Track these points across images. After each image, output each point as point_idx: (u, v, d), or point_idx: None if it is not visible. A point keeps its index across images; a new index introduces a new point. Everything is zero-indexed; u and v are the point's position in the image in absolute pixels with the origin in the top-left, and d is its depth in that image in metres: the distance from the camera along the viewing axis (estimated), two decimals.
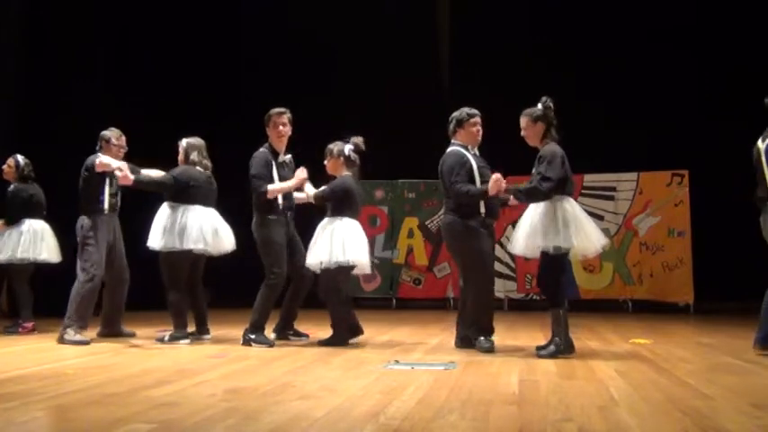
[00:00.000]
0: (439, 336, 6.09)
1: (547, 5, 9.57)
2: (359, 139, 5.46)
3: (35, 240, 6.37)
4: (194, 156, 5.75)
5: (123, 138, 5.98)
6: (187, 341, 5.55)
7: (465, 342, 5.06)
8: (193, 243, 5.52)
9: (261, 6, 10.10)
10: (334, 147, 5.43)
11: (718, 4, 9.02)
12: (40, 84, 8.17)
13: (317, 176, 5.60)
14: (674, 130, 9.06)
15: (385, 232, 9.85)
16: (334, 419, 2.85)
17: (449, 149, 5.08)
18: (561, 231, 4.55)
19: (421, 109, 9.35)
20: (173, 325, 5.61)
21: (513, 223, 8.39)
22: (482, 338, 4.89)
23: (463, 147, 5.04)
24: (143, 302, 5.68)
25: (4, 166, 6.55)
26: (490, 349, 4.84)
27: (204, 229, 5.59)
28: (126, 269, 5.97)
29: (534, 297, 9.35)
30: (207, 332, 5.85)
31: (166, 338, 5.54)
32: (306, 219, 5.79)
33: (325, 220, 5.36)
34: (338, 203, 5.34)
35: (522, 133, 4.83)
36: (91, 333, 5.80)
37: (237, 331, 5.85)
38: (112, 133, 5.94)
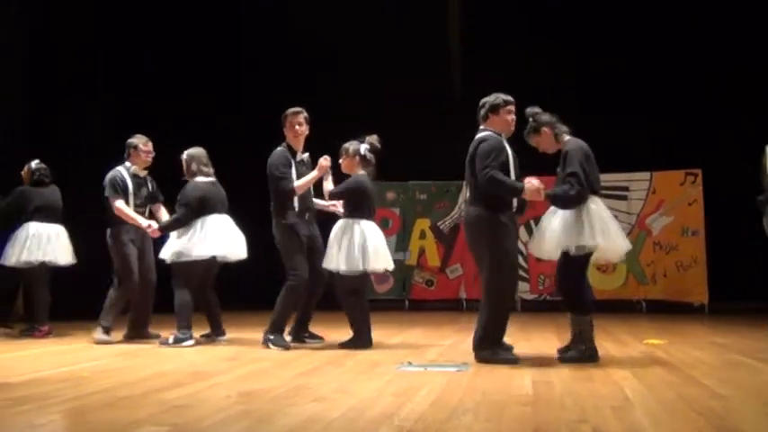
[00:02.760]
0: (452, 337, 6.08)
1: (557, 4, 9.54)
2: (374, 138, 5.44)
3: (41, 243, 6.41)
4: (194, 166, 5.80)
5: (150, 143, 6.03)
6: (191, 342, 5.57)
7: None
8: (207, 251, 5.58)
9: (265, 7, 10.11)
10: (350, 146, 5.42)
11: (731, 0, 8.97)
12: (47, 85, 8.20)
13: (333, 176, 5.57)
14: (688, 128, 8.99)
15: (397, 234, 9.84)
16: (347, 421, 2.86)
17: (482, 134, 4.60)
18: (586, 230, 4.36)
19: (431, 110, 9.34)
20: (177, 326, 5.62)
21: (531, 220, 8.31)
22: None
23: (496, 134, 4.60)
24: (170, 305, 5.75)
25: (23, 172, 6.62)
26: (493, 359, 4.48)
27: (218, 237, 5.64)
28: (153, 274, 6.02)
29: (548, 298, 9.32)
30: (222, 333, 5.88)
31: (171, 341, 5.57)
32: (322, 222, 5.80)
33: (343, 222, 5.32)
34: (354, 203, 5.32)
35: (540, 149, 4.73)
36: (117, 335, 5.87)
37: (253, 334, 5.88)
38: (139, 140, 5.99)
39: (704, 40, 9.09)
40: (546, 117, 4.69)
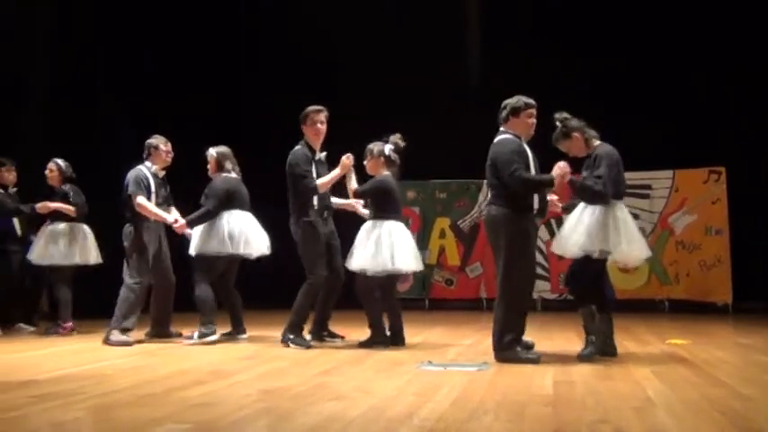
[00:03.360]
0: (472, 337, 6.07)
1: (578, 1, 9.46)
2: (397, 137, 5.43)
3: (72, 243, 6.51)
4: (228, 164, 5.89)
5: (169, 144, 6.09)
6: (215, 336, 5.62)
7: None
8: (231, 247, 5.63)
9: (280, 6, 10.15)
10: (374, 147, 5.42)
11: None
12: (70, 86, 8.29)
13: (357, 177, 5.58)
14: (711, 126, 8.88)
15: (416, 233, 9.81)
16: (368, 420, 2.86)
17: (501, 137, 4.64)
18: (611, 236, 4.46)
19: (451, 109, 9.31)
20: (200, 321, 5.66)
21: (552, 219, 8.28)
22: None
23: (516, 137, 4.63)
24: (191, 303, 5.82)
25: (46, 171, 6.69)
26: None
27: (242, 233, 5.70)
28: (171, 273, 6.06)
29: (568, 297, 9.25)
30: (243, 332, 5.92)
31: (196, 337, 5.61)
32: (344, 221, 5.81)
33: (370, 222, 5.32)
34: (380, 204, 5.31)
35: (571, 154, 4.75)
36: (139, 334, 5.91)
37: (273, 332, 5.91)
38: (159, 140, 6.04)
39: (727, 36, 8.97)
40: (575, 122, 4.73)
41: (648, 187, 9.26)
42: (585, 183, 4.56)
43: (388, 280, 5.36)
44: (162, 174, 6.07)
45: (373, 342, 5.26)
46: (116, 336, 5.60)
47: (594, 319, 4.60)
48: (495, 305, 4.62)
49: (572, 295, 4.80)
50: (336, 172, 5.40)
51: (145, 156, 6.03)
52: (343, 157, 5.39)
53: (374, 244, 5.19)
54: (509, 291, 4.52)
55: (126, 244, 5.84)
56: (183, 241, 5.96)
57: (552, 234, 8.49)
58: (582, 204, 4.65)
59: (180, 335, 5.93)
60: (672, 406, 3.13)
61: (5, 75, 7.60)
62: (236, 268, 5.98)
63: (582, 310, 4.64)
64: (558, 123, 4.75)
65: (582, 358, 4.52)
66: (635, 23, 9.19)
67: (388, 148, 5.38)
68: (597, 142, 4.71)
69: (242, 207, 5.82)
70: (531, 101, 4.67)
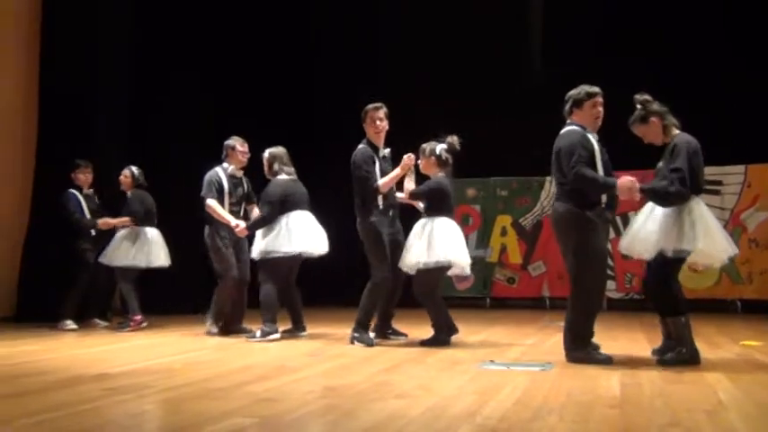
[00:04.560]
0: (535, 336, 5.99)
1: None
2: (454, 139, 5.41)
3: (137, 247, 6.77)
4: (276, 166, 5.98)
5: (246, 144, 6.25)
6: (277, 336, 5.73)
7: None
8: (294, 247, 5.73)
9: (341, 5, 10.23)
10: (427, 146, 5.42)
11: None
12: (148, 89, 8.54)
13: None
14: None
15: (477, 231, 9.77)
16: (430, 418, 2.87)
17: (565, 129, 4.47)
18: (686, 232, 4.12)
19: (513, 105, 9.20)
20: (262, 319, 5.78)
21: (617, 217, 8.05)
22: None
23: (581, 128, 4.43)
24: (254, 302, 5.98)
25: (121, 177, 6.98)
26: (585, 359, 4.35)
27: (303, 233, 5.79)
28: (248, 271, 6.22)
29: (635, 297, 9.03)
30: (303, 329, 6.01)
31: (258, 335, 5.72)
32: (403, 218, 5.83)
33: (423, 220, 5.35)
34: (434, 204, 5.34)
35: (646, 140, 4.48)
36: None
37: (333, 329, 5.98)
38: (236, 141, 6.21)
39: None
40: (656, 106, 4.41)
41: (719, 183, 8.95)
42: (657, 187, 4.25)
43: (441, 277, 5.37)
44: (239, 174, 6.22)
45: (435, 341, 5.27)
46: (209, 327, 6.07)
47: (688, 329, 4.26)
48: (568, 305, 4.44)
49: (653, 304, 4.46)
50: (397, 172, 5.41)
51: (223, 156, 6.20)
52: (405, 157, 5.39)
53: (426, 238, 5.22)
54: (579, 291, 4.35)
55: (208, 243, 6.08)
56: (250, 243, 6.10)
57: (617, 232, 8.30)
58: None
59: (252, 331, 6.08)
60: (745, 410, 3.02)
61: (85, 78, 7.88)
62: (297, 267, 6.07)
63: (669, 319, 4.31)
64: (637, 105, 4.45)
65: (663, 363, 4.26)
66: (704, 10, 8.88)
67: (440, 148, 5.37)
68: (677, 131, 4.38)
69: (299, 207, 5.89)
70: (595, 89, 4.47)
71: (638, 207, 4.87)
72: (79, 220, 6.94)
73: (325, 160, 7.70)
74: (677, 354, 4.26)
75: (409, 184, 5.43)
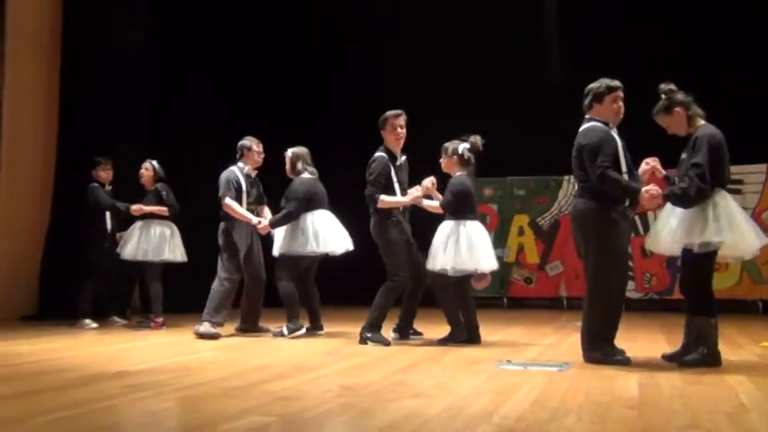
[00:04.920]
0: (552, 336, 5.96)
1: None
2: (477, 138, 5.38)
3: (162, 241, 6.78)
4: (300, 165, 6.00)
5: (261, 145, 6.26)
6: (303, 331, 5.80)
7: None
8: (319, 247, 5.77)
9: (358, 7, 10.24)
10: (450, 145, 5.40)
11: None
12: (167, 89, 8.61)
13: (431, 174, 5.57)
14: None
15: (494, 230, 9.73)
16: (447, 418, 2.86)
17: (587, 125, 4.37)
18: (710, 225, 4.02)
19: (529, 105, 9.16)
20: (287, 316, 5.82)
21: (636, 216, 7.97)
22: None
23: (603, 123, 4.36)
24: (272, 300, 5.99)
25: (141, 171, 7.00)
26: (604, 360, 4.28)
27: (325, 232, 5.83)
28: (263, 270, 6.22)
29: (654, 297, 8.96)
30: (320, 328, 6.04)
31: (286, 332, 5.75)
32: (422, 220, 5.82)
33: (451, 224, 5.29)
34: (459, 205, 5.31)
35: (670, 131, 4.39)
36: (229, 328, 6.12)
37: (350, 329, 5.98)
38: (252, 141, 6.23)
39: None
40: (681, 96, 4.32)
41: (740, 182, 8.84)
42: (677, 192, 4.14)
43: (464, 278, 5.36)
44: (254, 174, 6.25)
45: (452, 339, 5.25)
46: (206, 327, 5.82)
47: (715, 330, 4.19)
48: (585, 305, 4.38)
49: (686, 301, 4.34)
50: (403, 200, 5.39)
51: (238, 156, 6.22)
52: (413, 190, 5.36)
53: (453, 245, 5.19)
54: (599, 291, 4.28)
55: (221, 241, 6.06)
56: (268, 241, 6.12)
57: (636, 231, 8.23)
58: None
59: (268, 330, 6.10)
60: (767, 412, 2.98)
61: (103, 79, 7.96)
62: (316, 266, 6.10)
63: (699, 318, 4.22)
64: (662, 95, 4.35)
65: (683, 363, 4.20)
66: (722, 7, 8.78)
67: (462, 147, 5.35)
68: (702, 122, 4.27)
69: (321, 206, 5.95)
70: (616, 83, 4.38)
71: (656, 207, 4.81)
72: (115, 205, 6.93)
73: (329, 161, 7.71)
74: (699, 354, 4.19)
75: (433, 203, 5.45)
